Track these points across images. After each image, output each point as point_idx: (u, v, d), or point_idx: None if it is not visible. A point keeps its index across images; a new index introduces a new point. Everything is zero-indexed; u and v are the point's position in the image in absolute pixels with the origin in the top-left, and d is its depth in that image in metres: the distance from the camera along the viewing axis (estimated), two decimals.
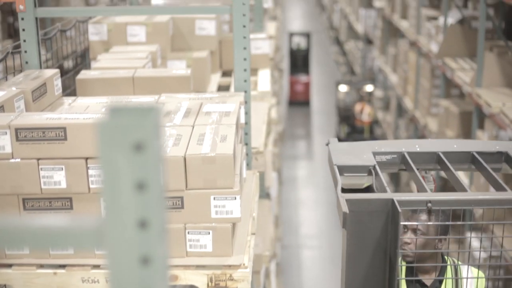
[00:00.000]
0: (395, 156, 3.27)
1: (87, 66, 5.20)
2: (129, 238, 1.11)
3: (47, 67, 5.51)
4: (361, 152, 3.23)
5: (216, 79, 5.35)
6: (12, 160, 2.81)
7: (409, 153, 3.23)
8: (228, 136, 3.00)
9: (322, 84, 19.25)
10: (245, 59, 3.55)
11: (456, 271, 3.39)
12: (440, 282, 3.37)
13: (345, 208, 2.60)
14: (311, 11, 32.55)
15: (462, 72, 7.58)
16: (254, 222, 3.40)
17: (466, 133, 7.87)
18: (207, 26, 5.14)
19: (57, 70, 3.57)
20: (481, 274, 3.38)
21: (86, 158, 2.81)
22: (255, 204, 3.64)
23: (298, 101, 17.52)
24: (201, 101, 3.49)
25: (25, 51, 3.63)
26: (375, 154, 3.21)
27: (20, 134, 2.79)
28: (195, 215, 2.87)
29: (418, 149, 3.29)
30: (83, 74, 4.05)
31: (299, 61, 17.77)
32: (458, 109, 7.98)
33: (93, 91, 3.93)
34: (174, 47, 5.22)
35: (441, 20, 8.93)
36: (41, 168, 2.82)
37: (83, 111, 3.34)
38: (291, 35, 18.57)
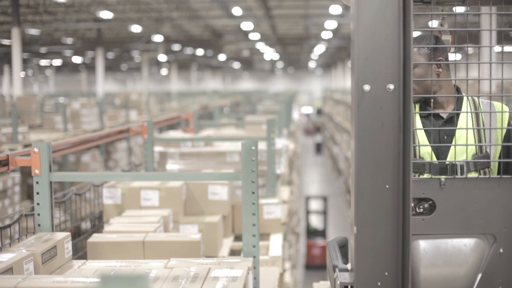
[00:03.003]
0: None
1: (102, 229, 5.26)
2: None
3: (65, 228, 5.60)
4: None
5: (228, 243, 5.37)
6: None
7: None
8: None
9: None
10: (253, 225, 3.59)
11: (475, 104, 3.20)
12: (458, 114, 3.17)
13: None
14: (328, 175, 32.95)
15: None
16: None
17: None
18: (219, 191, 5.23)
19: (68, 234, 3.62)
20: (505, 107, 3.18)
21: None
22: None
23: (315, 264, 17.37)
24: (209, 266, 3.50)
25: (38, 214, 3.70)
26: None
27: None
28: None
29: None
30: (94, 237, 4.10)
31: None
32: None
33: (103, 254, 3.97)
34: (187, 211, 5.29)
35: None
36: None
37: (91, 274, 3.35)
38: (308, 198, 18.73)
